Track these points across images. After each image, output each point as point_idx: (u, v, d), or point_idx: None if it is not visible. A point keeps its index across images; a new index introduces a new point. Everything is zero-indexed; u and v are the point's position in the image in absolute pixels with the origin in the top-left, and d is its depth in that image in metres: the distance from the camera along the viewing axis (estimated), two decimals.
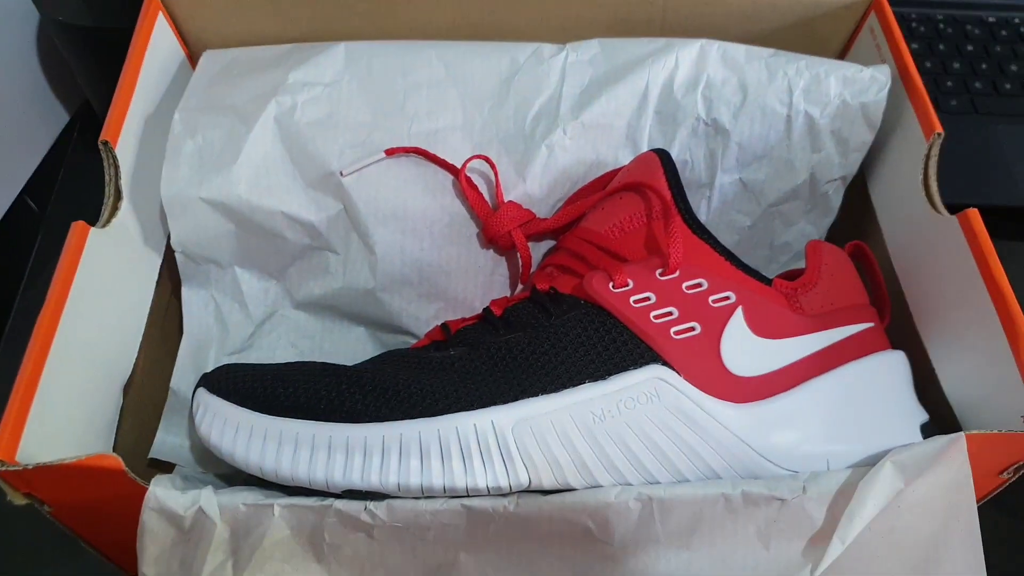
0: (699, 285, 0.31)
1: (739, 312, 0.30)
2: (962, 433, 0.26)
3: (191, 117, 0.36)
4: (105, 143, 0.33)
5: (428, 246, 0.36)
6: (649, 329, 0.30)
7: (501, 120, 0.36)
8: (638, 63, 0.37)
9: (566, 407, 0.29)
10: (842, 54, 0.43)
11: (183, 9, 0.40)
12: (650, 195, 0.32)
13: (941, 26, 0.57)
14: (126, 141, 0.34)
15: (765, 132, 0.37)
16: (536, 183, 0.36)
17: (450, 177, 0.36)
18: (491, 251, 0.37)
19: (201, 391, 0.32)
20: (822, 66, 0.37)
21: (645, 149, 0.37)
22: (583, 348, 0.30)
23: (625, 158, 0.37)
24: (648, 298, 0.30)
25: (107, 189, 0.33)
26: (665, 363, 0.29)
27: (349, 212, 0.36)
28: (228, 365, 0.33)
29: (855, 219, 0.39)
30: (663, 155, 0.33)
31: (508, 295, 0.37)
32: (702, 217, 0.38)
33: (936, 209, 0.32)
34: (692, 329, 0.30)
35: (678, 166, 0.35)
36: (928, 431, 0.30)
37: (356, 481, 0.28)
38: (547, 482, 0.28)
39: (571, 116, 0.36)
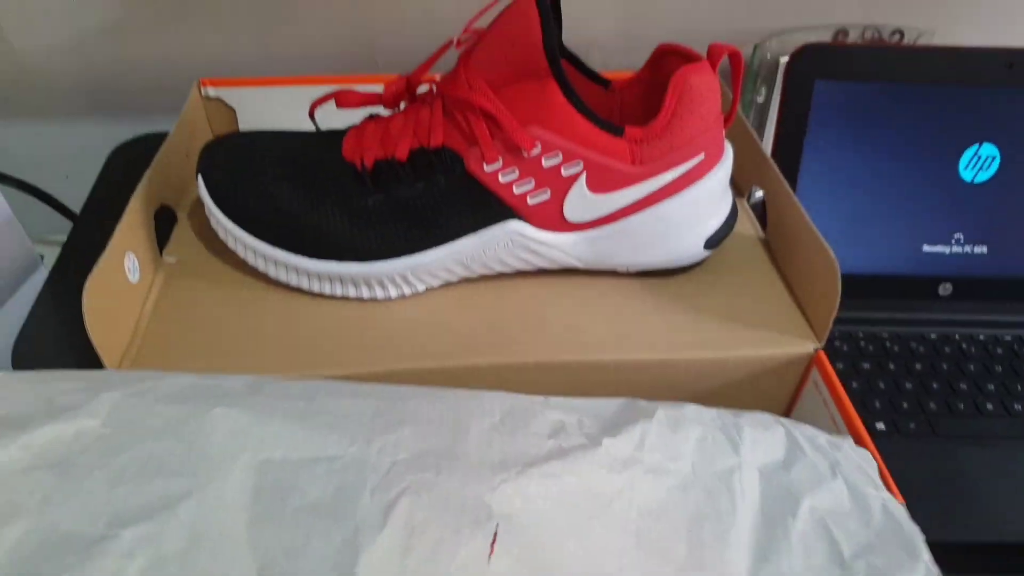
0: (555, 156, 0.41)
1: (583, 178, 0.41)
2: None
3: None
4: None
5: None
6: (512, 199, 0.42)
7: None
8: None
9: (449, 254, 0.43)
10: (788, 409, 0.44)
11: None
12: (525, 47, 0.38)
13: (888, 344, 0.57)
14: None
15: None
16: None
17: None
18: None
19: (207, 196, 0.44)
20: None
21: (739, 501, 0.30)
22: (462, 211, 0.42)
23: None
24: (513, 172, 0.41)
25: None
26: (520, 218, 0.42)
27: None
28: (232, 176, 0.44)
29: None
30: (540, 3, 0.37)
31: None
32: None
33: None
34: (544, 193, 0.42)
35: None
36: (731, 216, 0.45)
37: (304, 287, 0.44)
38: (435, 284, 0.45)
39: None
